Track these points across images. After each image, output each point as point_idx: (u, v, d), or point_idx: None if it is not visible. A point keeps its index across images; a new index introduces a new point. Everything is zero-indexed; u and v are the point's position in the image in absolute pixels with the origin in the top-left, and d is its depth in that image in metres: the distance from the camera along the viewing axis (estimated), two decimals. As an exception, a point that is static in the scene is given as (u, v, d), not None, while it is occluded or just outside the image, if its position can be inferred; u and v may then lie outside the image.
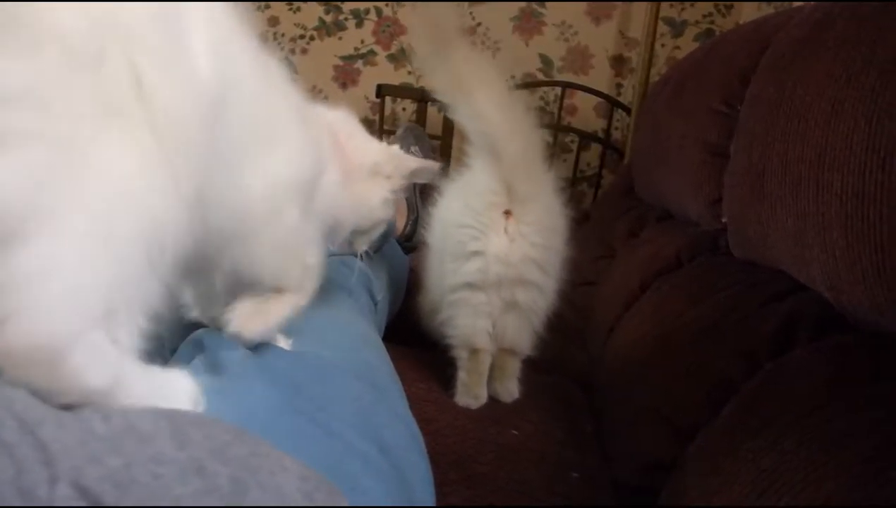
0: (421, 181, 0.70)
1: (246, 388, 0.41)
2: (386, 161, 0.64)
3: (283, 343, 0.52)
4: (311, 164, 0.49)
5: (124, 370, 0.32)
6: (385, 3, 2.37)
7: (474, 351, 0.79)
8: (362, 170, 0.62)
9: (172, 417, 0.31)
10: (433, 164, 0.70)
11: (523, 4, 2.30)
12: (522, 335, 0.81)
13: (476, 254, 0.74)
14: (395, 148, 0.69)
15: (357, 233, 0.65)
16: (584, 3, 2.26)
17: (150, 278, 0.32)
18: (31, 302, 0.27)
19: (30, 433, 0.26)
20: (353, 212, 0.61)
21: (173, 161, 0.31)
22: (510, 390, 0.83)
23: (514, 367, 0.83)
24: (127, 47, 0.28)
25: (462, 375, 0.80)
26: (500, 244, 0.74)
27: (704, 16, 2.23)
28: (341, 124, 0.63)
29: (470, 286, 0.76)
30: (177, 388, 0.34)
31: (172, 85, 0.30)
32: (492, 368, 0.82)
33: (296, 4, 2.38)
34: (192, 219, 0.34)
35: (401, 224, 1.24)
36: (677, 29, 2.25)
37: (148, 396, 0.33)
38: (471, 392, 0.79)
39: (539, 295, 0.80)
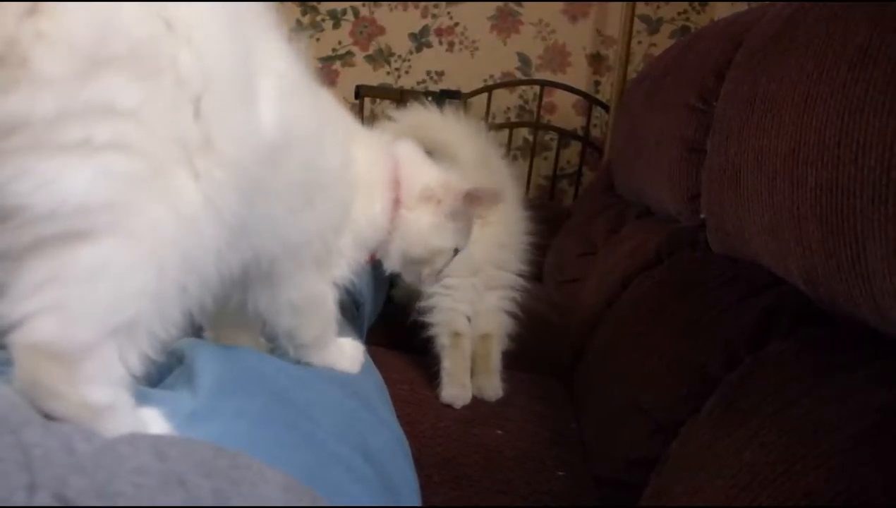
0: (480, 207, 0.67)
1: (225, 401, 0.41)
2: (438, 185, 0.63)
3: (263, 347, 0.52)
4: (344, 217, 0.52)
5: (119, 398, 0.32)
6: (362, 3, 2.36)
7: (456, 335, 0.84)
8: (413, 197, 0.62)
9: (152, 439, 0.31)
10: (492, 189, 0.69)
11: (501, 4, 2.30)
12: (496, 317, 0.88)
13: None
14: (450, 174, 0.68)
15: (415, 262, 0.65)
16: (561, 2, 2.27)
17: (177, 305, 0.33)
18: (73, 299, 0.28)
19: (11, 433, 0.25)
20: (403, 239, 0.62)
21: (230, 200, 0.33)
22: (494, 386, 0.85)
23: (495, 358, 0.87)
24: (214, 87, 0.31)
25: (446, 364, 0.83)
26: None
27: (679, 13, 2.24)
28: (404, 154, 0.64)
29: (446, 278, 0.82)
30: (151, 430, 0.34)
31: (235, 130, 0.33)
32: (474, 362, 0.85)
33: (273, 5, 2.36)
34: (232, 258, 0.37)
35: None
36: (653, 26, 2.26)
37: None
38: (455, 380, 0.82)
39: (505, 282, 0.88)
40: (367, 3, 2.36)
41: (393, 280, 1.02)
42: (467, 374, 0.84)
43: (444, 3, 2.32)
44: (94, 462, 0.27)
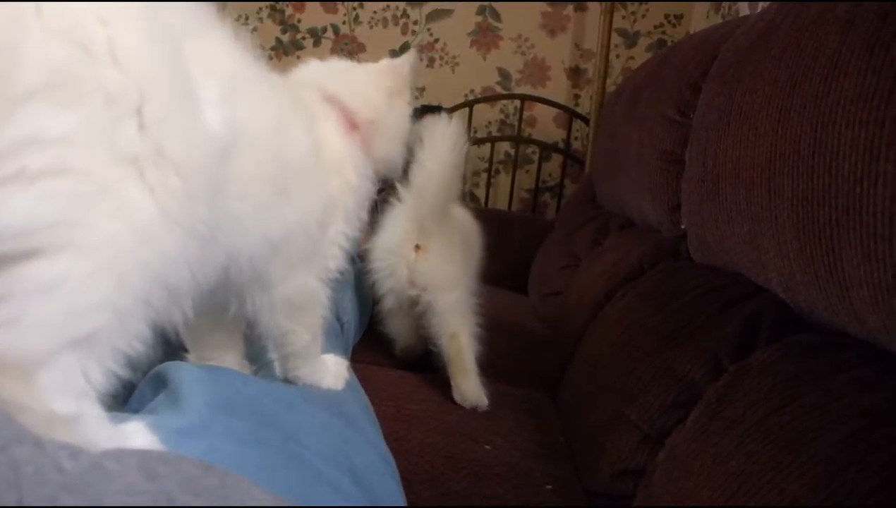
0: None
1: (210, 424, 0.40)
2: (391, 78, 0.67)
3: (248, 369, 0.51)
4: (321, 208, 0.51)
5: (86, 410, 0.32)
6: (343, 21, 2.37)
7: (455, 347, 0.92)
8: (381, 104, 0.65)
9: (140, 455, 0.30)
10: (415, 57, 0.72)
11: (479, 19, 2.32)
12: (460, 316, 0.95)
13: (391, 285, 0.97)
14: (386, 60, 0.71)
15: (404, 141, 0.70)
16: (539, 16, 2.30)
17: (141, 318, 0.33)
18: (25, 313, 0.28)
19: (1, 450, 0.25)
20: (396, 141, 0.66)
21: (189, 206, 0.33)
22: (474, 390, 0.90)
23: (468, 357, 0.92)
24: (153, 99, 0.31)
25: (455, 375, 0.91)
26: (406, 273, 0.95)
27: (656, 27, 2.28)
28: (338, 87, 0.63)
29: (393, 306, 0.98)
30: (135, 444, 0.34)
31: (182, 134, 0.33)
32: (450, 365, 0.91)
33: (252, 24, 2.37)
34: (205, 263, 0.36)
35: (365, 241, 1.24)
36: (630, 40, 2.29)
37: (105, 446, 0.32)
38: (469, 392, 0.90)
39: (453, 297, 0.95)
40: (347, 20, 2.37)
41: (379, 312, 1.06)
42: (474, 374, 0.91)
43: (424, 20, 2.33)
44: (83, 481, 0.27)
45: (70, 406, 0.30)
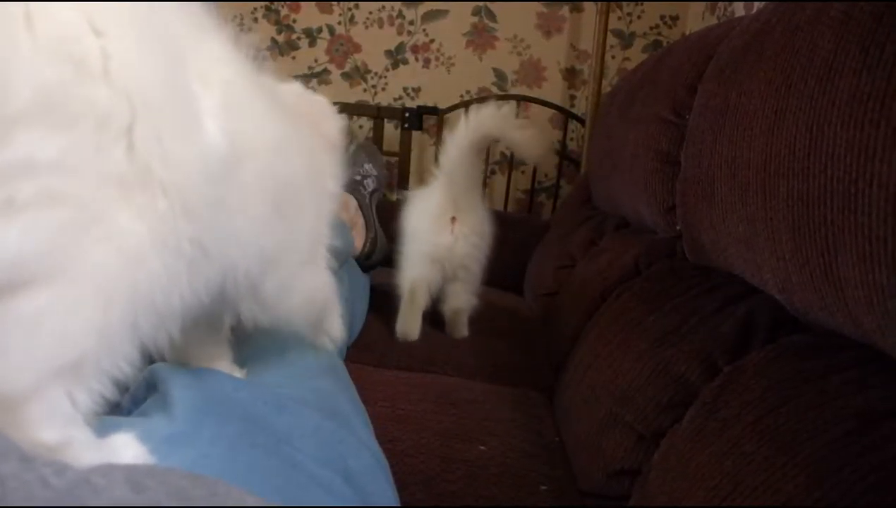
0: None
1: (201, 427, 0.40)
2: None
3: (238, 373, 0.51)
4: (325, 226, 0.52)
5: (74, 436, 0.31)
6: (338, 22, 2.37)
7: (412, 289, 1.11)
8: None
9: (126, 469, 0.30)
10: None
11: (475, 20, 2.32)
12: (463, 298, 1.17)
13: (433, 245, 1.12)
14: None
15: None
16: (534, 17, 2.30)
17: (128, 340, 0.32)
18: (12, 347, 0.27)
19: None
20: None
21: (182, 226, 0.32)
22: (462, 331, 1.17)
23: (463, 323, 1.18)
24: (145, 116, 0.29)
25: (403, 308, 1.12)
26: (448, 240, 1.11)
27: (651, 27, 2.28)
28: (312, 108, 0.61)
29: (426, 255, 1.12)
30: (124, 458, 0.33)
31: (177, 150, 0.31)
32: (449, 323, 1.17)
33: (247, 24, 2.36)
34: (197, 280, 0.35)
35: (360, 243, 1.24)
36: (626, 41, 2.30)
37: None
38: (406, 322, 1.11)
39: (474, 272, 1.16)
40: (342, 21, 2.37)
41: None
42: (418, 321, 1.13)
43: (419, 21, 2.33)
44: (70, 496, 0.26)
45: (57, 435, 0.30)
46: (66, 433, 0.30)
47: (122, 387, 0.34)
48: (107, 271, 0.29)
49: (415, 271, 1.13)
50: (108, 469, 0.29)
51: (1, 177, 0.25)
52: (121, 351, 0.32)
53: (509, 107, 1.11)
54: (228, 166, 0.35)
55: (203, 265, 0.35)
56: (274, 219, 0.43)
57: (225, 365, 0.51)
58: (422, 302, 1.13)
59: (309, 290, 0.52)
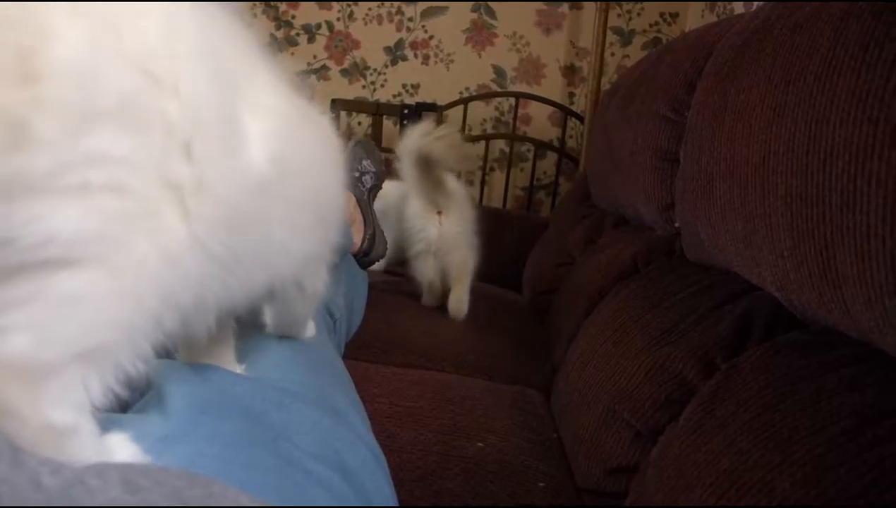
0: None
1: (196, 425, 0.40)
2: None
3: (238, 369, 0.51)
4: (345, 238, 0.57)
5: (81, 424, 0.32)
6: (337, 18, 2.36)
7: (430, 282, 1.34)
8: None
9: (121, 469, 0.30)
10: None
11: (474, 17, 2.32)
12: (464, 263, 1.35)
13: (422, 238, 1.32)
14: None
15: None
16: (534, 14, 2.29)
17: (149, 338, 0.33)
18: (49, 320, 0.28)
19: None
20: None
21: (222, 234, 0.34)
22: (462, 309, 1.31)
23: (463, 292, 1.33)
24: (202, 133, 0.32)
25: (426, 296, 1.37)
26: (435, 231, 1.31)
27: (651, 25, 2.28)
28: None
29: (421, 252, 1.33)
30: (118, 457, 0.34)
31: (224, 170, 0.34)
32: (449, 296, 1.32)
33: (245, 20, 2.35)
34: (235, 284, 0.38)
35: (358, 239, 1.23)
36: (626, 38, 2.30)
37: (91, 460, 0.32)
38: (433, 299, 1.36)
39: (464, 250, 1.35)
40: (341, 17, 2.36)
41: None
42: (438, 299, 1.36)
43: (418, 17, 2.33)
44: (63, 496, 0.26)
45: (67, 417, 0.30)
46: (75, 418, 0.31)
47: (130, 384, 0.34)
48: (146, 268, 0.31)
49: (423, 270, 1.34)
50: (104, 469, 0.29)
51: (79, 163, 0.27)
52: (141, 346, 0.33)
53: (429, 126, 1.30)
54: (270, 185, 0.38)
55: (239, 270, 0.38)
56: (316, 226, 0.48)
57: (229, 360, 0.51)
58: (469, 279, 1.35)
59: (321, 283, 0.56)
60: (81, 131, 0.27)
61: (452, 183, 1.38)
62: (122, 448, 0.34)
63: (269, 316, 0.58)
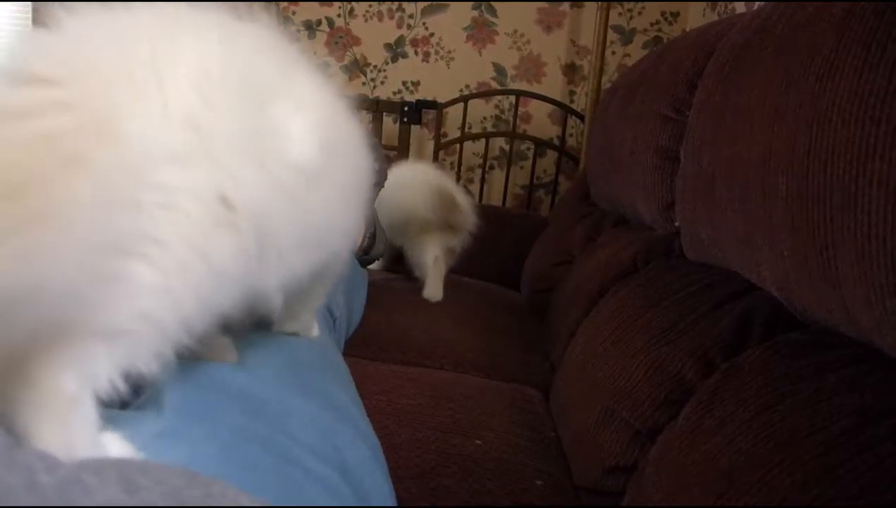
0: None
1: (192, 426, 0.40)
2: None
3: (235, 357, 0.51)
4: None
5: (86, 401, 0.32)
6: (337, 14, 2.36)
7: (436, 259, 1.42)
8: None
9: (119, 465, 0.30)
10: None
11: (475, 14, 2.31)
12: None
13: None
14: None
15: None
16: (535, 12, 2.29)
17: (171, 342, 0.36)
18: (96, 292, 0.31)
19: None
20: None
21: (266, 234, 0.39)
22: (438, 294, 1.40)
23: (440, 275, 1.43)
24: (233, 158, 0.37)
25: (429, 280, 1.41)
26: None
27: (652, 24, 2.28)
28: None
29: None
30: (111, 454, 0.35)
31: (262, 185, 0.39)
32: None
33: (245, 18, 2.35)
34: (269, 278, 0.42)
35: (358, 238, 1.23)
36: (626, 37, 2.29)
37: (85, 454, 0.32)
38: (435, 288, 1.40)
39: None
40: (341, 13, 2.36)
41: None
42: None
43: (419, 14, 2.32)
44: (59, 496, 0.26)
45: (75, 386, 0.31)
46: (81, 390, 0.32)
47: (135, 384, 0.36)
48: (188, 273, 0.34)
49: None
50: (101, 466, 0.29)
51: (152, 188, 0.33)
52: (162, 345, 0.35)
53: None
54: (322, 169, 0.43)
55: (294, 257, 0.44)
56: (354, 202, 0.53)
57: (228, 352, 0.51)
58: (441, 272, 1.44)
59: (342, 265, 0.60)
60: (151, 169, 0.33)
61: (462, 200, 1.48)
62: (113, 446, 0.34)
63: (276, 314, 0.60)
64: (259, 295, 0.43)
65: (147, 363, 0.34)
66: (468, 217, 1.46)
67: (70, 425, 0.31)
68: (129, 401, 0.42)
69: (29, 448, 0.29)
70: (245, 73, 0.40)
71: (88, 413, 0.32)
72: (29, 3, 2.33)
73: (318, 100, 0.47)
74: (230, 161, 0.37)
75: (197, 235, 0.35)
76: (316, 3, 2.35)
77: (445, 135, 2.29)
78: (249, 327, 0.57)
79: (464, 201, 1.47)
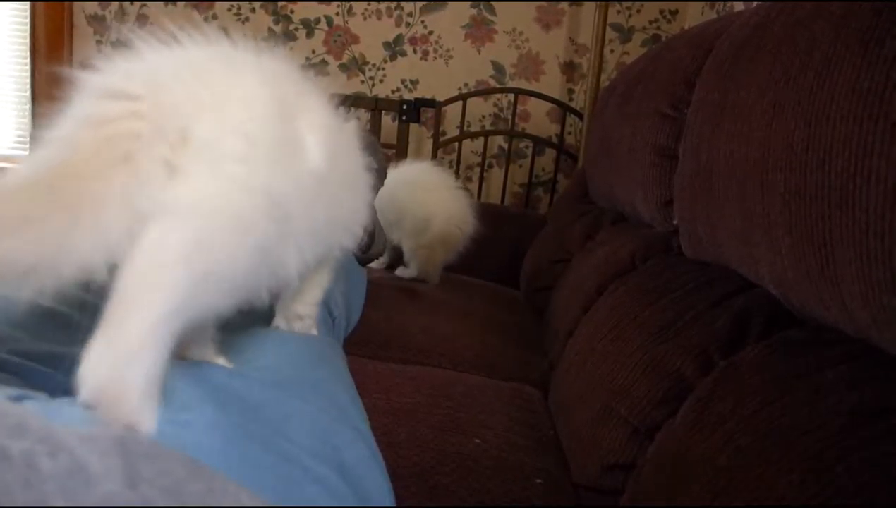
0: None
1: (195, 420, 0.40)
2: None
3: (222, 361, 0.51)
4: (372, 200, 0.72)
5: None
6: (336, 13, 2.36)
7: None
8: None
9: (124, 451, 0.29)
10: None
11: (474, 12, 2.31)
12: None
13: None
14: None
15: None
16: (534, 10, 2.29)
17: (203, 305, 0.42)
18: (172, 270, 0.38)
19: None
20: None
21: (297, 223, 0.48)
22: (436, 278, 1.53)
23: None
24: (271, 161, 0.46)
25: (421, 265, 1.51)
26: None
27: (651, 22, 2.28)
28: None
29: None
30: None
31: (293, 176, 0.48)
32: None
33: (244, 14, 2.35)
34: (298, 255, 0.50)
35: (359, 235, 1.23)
36: (625, 35, 2.29)
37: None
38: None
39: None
40: (340, 12, 2.35)
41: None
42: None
43: (418, 13, 2.32)
44: (57, 489, 0.26)
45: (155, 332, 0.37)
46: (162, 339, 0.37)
47: None
48: (233, 252, 0.42)
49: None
50: (107, 451, 0.29)
51: (210, 177, 0.41)
52: (193, 309, 0.40)
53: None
54: (327, 175, 0.51)
55: (309, 241, 0.51)
56: (353, 200, 0.63)
57: (208, 352, 0.51)
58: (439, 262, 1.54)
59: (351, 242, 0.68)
60: (217, 164, 0.41)
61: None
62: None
63: (279, 310, 0.65)
64: (279, 275, 0.49)
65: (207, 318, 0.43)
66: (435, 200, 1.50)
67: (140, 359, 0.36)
68: None
69: (32, 430, 0.28)
70: (275, 96, 0.47)
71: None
72: (29, 4, 2.33)
73: (325, 118, 0.55)
74: (271, 165, 0.45)
75: (248, 220, 0.42)
76: (315, 2, 2.35)
77: (444, 133, 2.29)
78: (251, 322, 0.60)
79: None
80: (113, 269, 0.37)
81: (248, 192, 0.42)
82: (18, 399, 0.40)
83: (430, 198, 1.49)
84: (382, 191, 1.43)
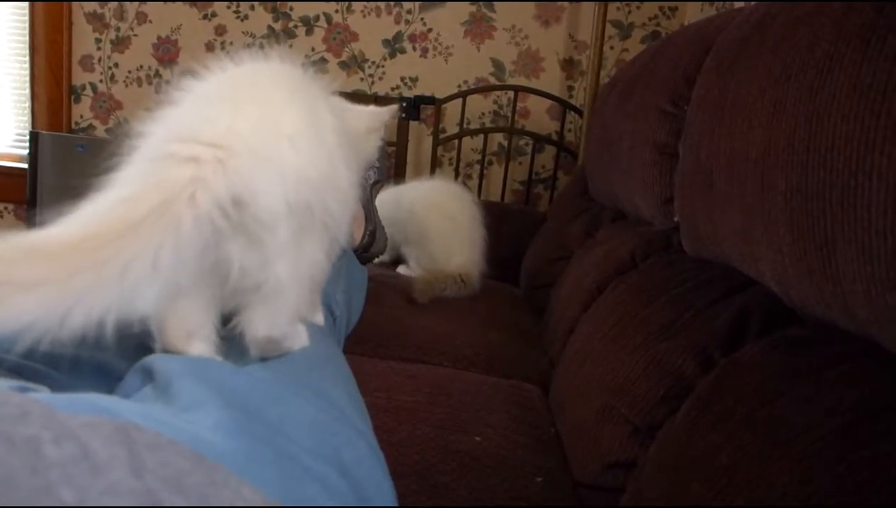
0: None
1: (198, 416, 0.40)
2: (372, 120, 0.98)
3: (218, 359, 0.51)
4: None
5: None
6: (335, 10, 2.35)
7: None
8: (361, 133, 0.96)
9: (129, 440, 0.29)
10: (393, 108, 1.04)
11: (473, 9, 2.31)
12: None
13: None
14: (372, 107, 1.02)
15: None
16: (533, 7, 2.28)
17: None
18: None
19: None
20: (365, 161, 0.97)
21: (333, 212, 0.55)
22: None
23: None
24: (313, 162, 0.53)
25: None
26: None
27: (650, 18, 2.27)
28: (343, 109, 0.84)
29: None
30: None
31: (331, 170, 0.55)
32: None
33: (243, 12, 2.34)
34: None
35: (358, 235, 1.23)
36: (625, 31, 2.29)
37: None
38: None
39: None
40: (339, 9, 2.35)
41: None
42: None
43: (417, 10, 2.32)
44: (63, 478, 0.26)
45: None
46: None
47: (102, 347, 0.43)
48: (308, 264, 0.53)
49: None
50: (111, 438, 0.29)
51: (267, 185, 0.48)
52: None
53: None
54: (333, 175, 0.57)
55: (332, 220, 0.56)
56: (349, 179, 0.65)
57: (208, 349, 0.51)
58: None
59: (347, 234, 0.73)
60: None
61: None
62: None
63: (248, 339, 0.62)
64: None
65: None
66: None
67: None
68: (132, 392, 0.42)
69: (36, 416, 0.28)
70: (313, 108, 0.55)
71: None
72: (28, 3, 2.32)
73: (333, 124, 0.59)
74: (310, 163, 0.51)
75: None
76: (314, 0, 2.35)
77: (444, 130, 2.29)
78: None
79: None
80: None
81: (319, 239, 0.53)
82: (22, 390, 0.40)
83: (453, 232, 1.50)
84: (400, 198, 1.51)
